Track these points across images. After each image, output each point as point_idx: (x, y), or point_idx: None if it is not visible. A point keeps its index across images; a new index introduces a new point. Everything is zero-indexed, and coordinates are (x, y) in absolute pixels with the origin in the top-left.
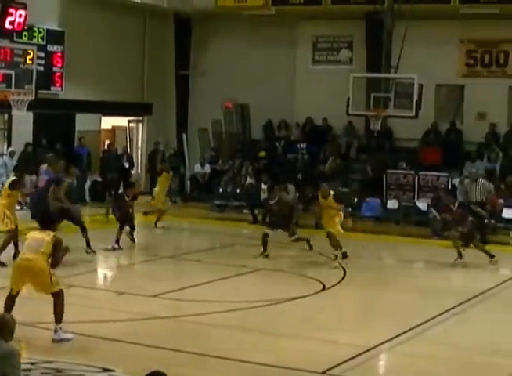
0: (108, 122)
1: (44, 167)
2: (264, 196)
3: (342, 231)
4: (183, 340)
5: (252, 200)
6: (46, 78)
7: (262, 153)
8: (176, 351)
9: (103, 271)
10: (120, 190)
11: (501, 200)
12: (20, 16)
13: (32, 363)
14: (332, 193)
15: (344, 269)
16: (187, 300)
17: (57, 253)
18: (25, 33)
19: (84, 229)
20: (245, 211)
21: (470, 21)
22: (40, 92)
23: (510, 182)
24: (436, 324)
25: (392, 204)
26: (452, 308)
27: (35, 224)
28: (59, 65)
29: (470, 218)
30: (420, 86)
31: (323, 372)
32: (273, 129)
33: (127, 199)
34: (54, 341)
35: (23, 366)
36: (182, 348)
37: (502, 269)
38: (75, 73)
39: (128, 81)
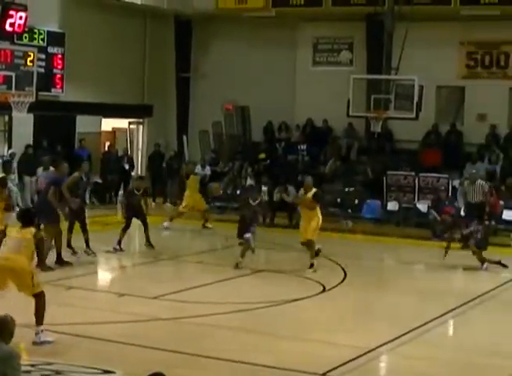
0: (108, 124)
1: (40, 170)
2: (264, 198)
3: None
4: (183, 341)
5: None
6: (47, 80)
7: (262, 155)
8: (176, 352)
9: (104, 273)
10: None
11: (501, 202)
12: (21, 17)
13: (32, 365)
14: (314, 190)
15: (345, 271)
16: (188, 301)
17: (40, 250)
18: (25, 35)
19: (85, 230)
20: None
21: (470, 23)
22: (40, 93)
23: (511, 183)
24: (436, 326)
25: (392, 205)
26: (452, 309)
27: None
28: (60, 67)
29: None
30: (421, 88)
31: (323, 374)
32: (273, 131)
33: (137, 193)
34: (34, 343)
35: (23, 368)
36: (182, 350)
37: (503, 271)
38: (75, 75)
39: (128, 83)
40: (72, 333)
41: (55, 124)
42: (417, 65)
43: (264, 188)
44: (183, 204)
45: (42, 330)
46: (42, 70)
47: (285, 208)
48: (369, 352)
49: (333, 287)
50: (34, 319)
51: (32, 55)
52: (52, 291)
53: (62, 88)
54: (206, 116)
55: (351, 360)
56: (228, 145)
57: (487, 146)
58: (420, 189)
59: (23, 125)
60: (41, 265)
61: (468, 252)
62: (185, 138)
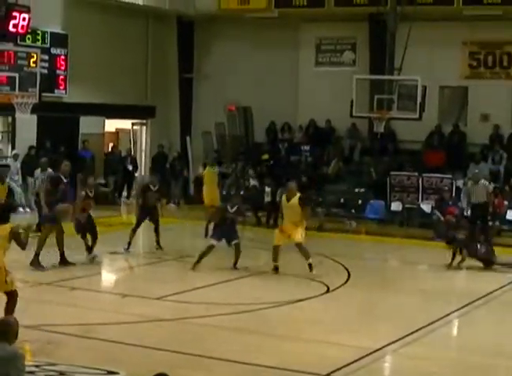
0: (112, 125)
1: (38, 171)
2: (267, 199)
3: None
4: (187, 342)
5: (256, 203)
6: (50, 81)
7: (266, 156)
8: (179, 353)
9: (107, 273)
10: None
11: (505, 202)
12: (24, 19)
13: (36, 366)
14: (298, 194)
15: (349, 271)
16: (191, 302)
17: (19, 241)
18: (28, 36)
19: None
20: (248, 213)
21: (473, 23)
22: (44, 94)
23: None
24: (440, 326)
25: (396, 206)
26: (456, 310)
27: None
28: (63, 68)
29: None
30: (424, 88)
31: (327, 374)
32: (276, 132)
33: (152, 188)
34: None
35: (27, 369)
36: (186, 351)
37: (509, 272)
38: (78, 76)
39: (131, 84)
40: (76, 334)
41: (59, 126)
42: (420, 65)
43: (267, 189)
44: (206, 201)
45: None
46: (45, 71)
47: None
48: (373, 352)
49: (337, 288)
50: (38, 321)
51: (35, 56)
52: (55, 291)
53: (65, 89)
54: (209, 117)
55: (355, 361)
56: (230, 146)
57: (490, 146)
58: (424, 189)
59: (27, 126)
60: (34, 263)
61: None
62: (188, 139)
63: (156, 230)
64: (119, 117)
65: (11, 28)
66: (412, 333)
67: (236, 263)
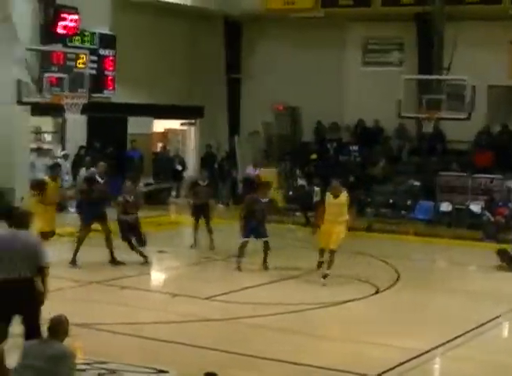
0: (160, 125)
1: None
2: (316, 198)
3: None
4: (236, 342)
5: (304, 203)
6: (98, 82)
7: (314, 156)
8: (228, 353)
9: (157, 273)
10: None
11: None
12: (72, 20)
13: (87, 364)
14: (345, 192)
15: (398, 272)
16: (239, 302)
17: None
18: (77, 37)
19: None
20: (297, 213)
21: None
22: (92, 95)
23: None
24: (489, 329)
25: (445, 206)
26: (505, 312)
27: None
28: (111, 68)
29: None
30: (472, 88)
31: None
32: (324, 131)
33: (202, 183)
34: None
35: (78, 367)
36: (235, 350)
37: None
38: (126, 76)
39: (178, 84)
40: (126, 332)
41: (107, 126)
42: (467, 64)
43: (316, 189)
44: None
45: None
46: (94, 72)
47: None
48: (422, 354)
49: (386, 289)
50: (90, 319)
51: (84, 57)
52: (106, 290)
53: (113, 89)
54: (256, 116)
55: (401, 363)
56: (277, 145)
57: None
58: (473, 189)
59: (77, 127)
60: (72, 262)
61: None
62: (236, 138)
63: (209, 228)
64: (167, 118)
65: (60, 30)
66: (461, 335)
67: (265, 261)
